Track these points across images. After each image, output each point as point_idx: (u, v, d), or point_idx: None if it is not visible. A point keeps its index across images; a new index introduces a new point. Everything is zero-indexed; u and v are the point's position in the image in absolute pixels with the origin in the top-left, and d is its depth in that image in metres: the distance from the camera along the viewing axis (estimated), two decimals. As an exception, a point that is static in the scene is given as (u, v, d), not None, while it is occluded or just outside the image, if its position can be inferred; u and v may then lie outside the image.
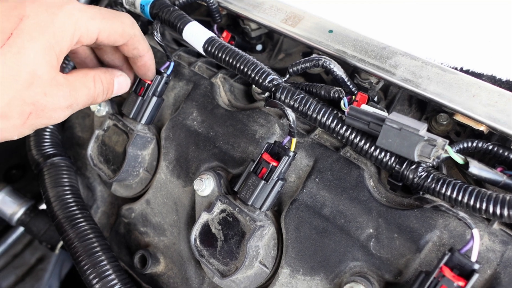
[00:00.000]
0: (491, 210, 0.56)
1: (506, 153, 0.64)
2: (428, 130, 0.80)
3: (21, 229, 1.45)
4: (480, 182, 0.66)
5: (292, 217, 0.68)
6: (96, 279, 0.75)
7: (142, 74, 0.77)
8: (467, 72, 0.73)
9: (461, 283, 0.53)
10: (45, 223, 1.04)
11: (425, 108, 0.83)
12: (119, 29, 0.65)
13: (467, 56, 0.73)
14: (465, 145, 0.66)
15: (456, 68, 0.73)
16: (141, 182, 0.84)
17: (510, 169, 0.65)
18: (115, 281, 0.75)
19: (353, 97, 0.75)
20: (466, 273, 0.54)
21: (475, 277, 0.52)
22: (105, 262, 0.76)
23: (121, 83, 0.73)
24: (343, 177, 0.68)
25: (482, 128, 0.65)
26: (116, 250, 0.88)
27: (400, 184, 0.66)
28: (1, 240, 1.49)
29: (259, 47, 1.00)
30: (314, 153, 0.72)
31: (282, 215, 0.69)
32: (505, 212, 0.55)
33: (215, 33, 0.94)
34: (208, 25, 0.84)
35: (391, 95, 0.86)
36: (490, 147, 0.65)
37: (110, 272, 0.76)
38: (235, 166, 0.76)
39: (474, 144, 0.66)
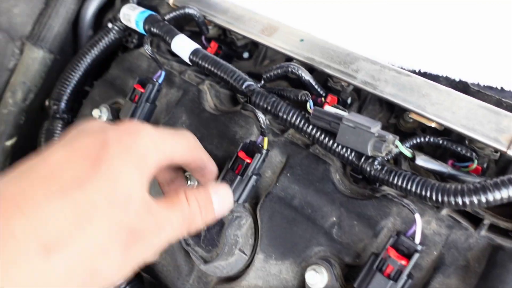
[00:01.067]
0: (434, 197, 0.63)
1: (454, 147, 0.71)
2: (397, 128, 0.87)
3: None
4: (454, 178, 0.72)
5: (266, 208, 0.76)
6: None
7: (206, 180, 0.73)
8: (424, 74, 0.80)
9: (403, 262, 0.60)
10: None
11: (394, 108, 0.90)
12: (187, 147, 0.64)
13: (424, 60, 0.80)
14: (418, 140, 0.73)
15: (414, 71, 0.80)
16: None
17: (460, 162, 0.72)
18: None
19: (323, 99, 0.83)
20: (410, 254, 0.61)
21: (416, 256, 0.60)
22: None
23: (221, 195, 0.63)
24: (311, 171, 0.76)
25: (433, 124, 0.72)
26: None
27: (361, 176, 0.74)
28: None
29: (245, 54, 1.08)
30: (286, 151, 0.80)
31: (258, 207, 0.77)
32: (445, 199, 0.61)
33: (204, 44, 1.03)
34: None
35: (364, 97, 0.93)
36: (440, 142, 0.72)
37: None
38: (218, 164, 0.84)
39: (426, 139, 0.73)
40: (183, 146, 0.63)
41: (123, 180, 0.50)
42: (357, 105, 0.93)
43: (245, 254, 0.77)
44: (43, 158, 0.50)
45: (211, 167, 0.72)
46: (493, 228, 0.65)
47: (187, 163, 0.67)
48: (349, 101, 0.92)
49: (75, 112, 1.10)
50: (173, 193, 0.60)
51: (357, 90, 0.93)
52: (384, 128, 0.85)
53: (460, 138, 0.75)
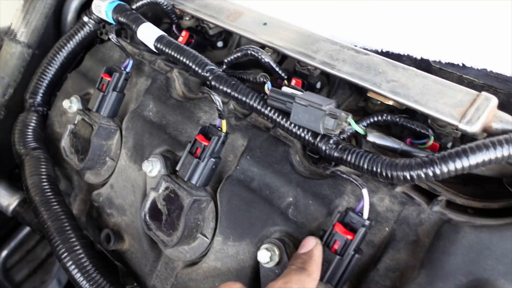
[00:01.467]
0: (384, 173, 0.62)
1: (409, 124, 0.70)
2: (365, 111, 0.87)
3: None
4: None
5: (225, 191, 0.76)
6: (66, 253, 0.85)
7: None
8: (387, 54, 0.79)
9: (349, 237, 0.59)
10: (36, 213, 1.16)
11: (362, 92, 0.89)
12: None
13: (386, 39, 0.79)
14: (376, 118, 0.72)
15: (377, 51, 0.79)
16: (108, 170, 0.94)
17: (418, 139, 0.71)
18: (82, 255, 0.85)
19: (285, 81, 0.83)
20: (357, 229, 0.60)
21: (361, 230, 0.59)
22: (74, 239, 0.86)
23: None
24: (270, 153, 0.76)
25: (391, 102, 0.72)
26: (92, 233, 0.98)
27: (317, 156, 0.73)
28: (13, 236, 1.62)
29: (220, 44, 1.08)
30: (248, 134, 0.79)
31: (218, 190, 0.77)
32: (394, 174, 0.61)
33: (175, 33, 1.04)
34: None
35: (333, 81, 0.92)
36: (397, 119, 0.71)
37: (78, 247, 0.85)
38: (181, 149, 0.84)
39: (383, 118, 0.72)
40: None
41: None
42: (326, 90, 0.93)
43: (207, 238, 0.77)
44: None
45: None
46: (450, 204, 0.64)
47: None
48: (318, 86, 0.91)
49: (51, 105, 1.11)
50: None
51: (326, 75, 0.93)
52: (353, 111, 0.85)
53: (424, 118, 0.74)
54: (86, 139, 0.92)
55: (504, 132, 0.61)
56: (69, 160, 0.94)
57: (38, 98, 1.09)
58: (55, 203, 0.91)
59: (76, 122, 0.94)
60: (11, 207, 1.15)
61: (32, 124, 1.04)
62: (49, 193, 0.92)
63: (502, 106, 0.68)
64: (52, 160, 1.01)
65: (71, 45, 1.10)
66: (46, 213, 0.89)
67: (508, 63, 0.72)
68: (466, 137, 0.76)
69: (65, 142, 0.95)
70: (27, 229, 1.61)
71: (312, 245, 0.59)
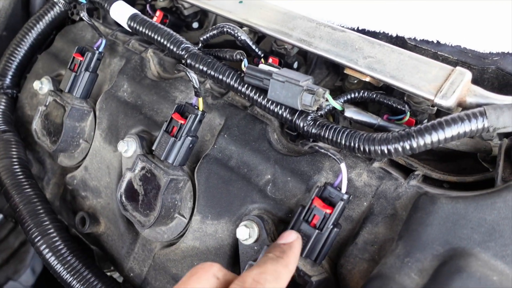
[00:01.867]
0: (361, 147, 0.62)
1: (386, 100, 0.70)
2: (342, 90, 0.87)
3: (1, 216, 1.54)
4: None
5: (203, 170, 0.75)
6: (39, 237, 0.83)
7: None
8: (363, 31, 0.79)
9: (328, 211, 0.59)
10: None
11: (340, 71, 0.89)
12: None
13: (362, 17, 0.79)
14: (353, 95, 0.72)
15: (353, 29, 0.79)
16: (82, 152, 0.92)
17: (395, 115, 0.71)
18: (56, 238, 0.83)
19: (262, 60, 0.82)
20: (336, 203, 0.60)
21: (340, 204, 0.59)
22: (47, 222, 0.84)
23: None
24: (248, 131, 0.75)
25: (367, 79, 0.72)
26: (66, 216, 0.95)
27: (296, 133, 0.73)
28: (-15, 227, 1.57)
29: (195, 24, 1.07)
30: (225, 113, 0.78)
31: (195, 169, 0.76)
32: (372, 148, 0.61)
33: (149, 13, 1.01)
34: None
35: (310, 60, 0.92)
36: (374, 96, 0.72)
37: (52, 230, 0.83)
38: (157, 129, 0.83)
39: (361, 94, 0.72)
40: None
41: None
42: (303, 69, 0.92)
43: (184, 218, 0.76)
44: None
45: None
46: (427, 179, 0.65)
47: None
48: (295, 65, 0.91)
49: (21, 87, 1.07)
50: None
51: (303, 54, 0.93)
52: (330, 91, 0.85)
53: (400, 95, 0.75)
54: (58, 121, 0.90)
55: (478, 105, 0.62)
56: (41, 142, 0.92)
57: (7, 81, 1.05)
58: (27, 187, 0.88)
59: (47, 103, 0.92)
60: (-19, 194, 1.12)
61: (1, 107, 1.01)
62: (21, 176, 0.90)
63: (475, 82, 0.69)
64: (23, 143, 0.98)
65: (40, 25, 1.07)
66: (17, 197, 0.86)
67: (481, 40, 0.73)
68: (441, 114, 0.77)
69: (36, 124, 0.92)
70: (-1, 219, 1.57)
71: (293, 238, 0.58)
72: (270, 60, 0.83)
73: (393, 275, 0.54)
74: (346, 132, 0.64)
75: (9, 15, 1.15)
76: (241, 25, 0.82)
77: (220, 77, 0.76)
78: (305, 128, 0.69)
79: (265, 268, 0.52)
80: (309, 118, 0.69)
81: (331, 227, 0.59)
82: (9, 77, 1.05)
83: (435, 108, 0.74)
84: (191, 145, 0.75)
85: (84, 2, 0.92)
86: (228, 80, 0.75)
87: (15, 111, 1.05)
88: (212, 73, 0.77)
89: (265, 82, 0.70)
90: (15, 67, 1.06)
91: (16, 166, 0.91)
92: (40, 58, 1.06)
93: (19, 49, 1.06)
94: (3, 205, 1.14)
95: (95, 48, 0.90)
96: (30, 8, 1.21)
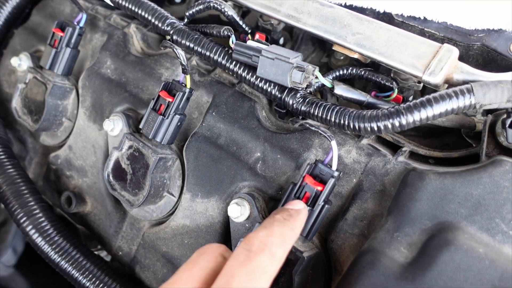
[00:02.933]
0: (351, 125, 0.63)
1: (374, 77, 0.71)
2: (328, 67, 0.87)
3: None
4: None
5: (192, 148, 0.75)
6: (24, 218, 0.81)
7: None
8: (351, 7, 0.79)
9: (319, 188, 0.60)
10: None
11: (326, 47, 0.89)
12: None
13: (350, -8, 0.79)
14: (341, 72, 0.72)
15: (341, 4, 0.79)
16: (65, 131, 0.90)
17: (382, 92, 0.72)
18: (42, 219, 0.82)
19: (249, 36, 0.81)
20: (326, 180, 0.61)
21: (331, 181, 0.60)
22: (32, 203, 0.83)
23: None
24: (236, 109, 0.75)
25: (356, 56, 0.72)
26: (50, 196, 0.94)
27: (284, 111, 0.73)
28: (-38, 207, 1.54)
29: (177, -2, 1.04)
30: (212, 90, 0.78)
31: (184, 147, 0.76)
32: (361, 125, 0.62)
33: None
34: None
35: (296, 36, 0.91)
36: (362, 72, 0.72)
37: (38, 211, 0.82)
38: (143, 107, 0.82)
39: (349, 71, 0.72)
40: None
41: None
42: (289, 45, 0.92)
43: (174, 196, 0.76)
44: None
45: None
46: (413, 155, 0.66)
47: None
48: (281, 41, 0.90)
49: (-2, 64, 1.04)
50: None
51: (289, 30, 0.92)
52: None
53: (387, 72, 0.75)
54: (39, 99, 0.87)
55: (465, 82, 0.63)
56: (22, 121, 0.89)
57: (-18, 57, 1.01)
58: (9, 167, 0.86)
59: (27, 81, 0.89)
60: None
61: (-22, 85, 0.97)
62: (3, 156, 0.87)
63: (461, 58, 0.70)
64: (3, 122, 0.95)
65: (15, -2, 1.02)
66: (0, 177, 0.85)
67: (467, 16, 0.74)
68: (427, 90, 0.78)
69: (16, 103, 0.90)
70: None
71: (300, 206, 0.58)
72: (257, 36, 0.82)
73: (383, 249, 0.55)
74: (336, 110, 0.65)
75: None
76: (227, 0, 0.81)
77: (208, 53, 0.75)
78: (294, 105, 0.69)
79: (272, 230, 0.52)
80: (298, 95, 0.69)
81: (322, 203, 0.60)
82: (-16, 53, 1.01)
83: (421, 85, 0.75)
84: (179, 123, 0.74)
85: (63, -25, 0.88)
86: (215, 57, 0.74)
87: (-8, 88, 1.02)
88: (199, 49, 0.76)
89: (254, 59, 0.69)
90: (-11, 42, 1.02)
91: (-3, 146, 0.88)
92: (17, 33, 1.02)
93: (-8, 23, 1.02)
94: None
95: (75, 23, 0.87)
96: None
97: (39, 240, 0.81)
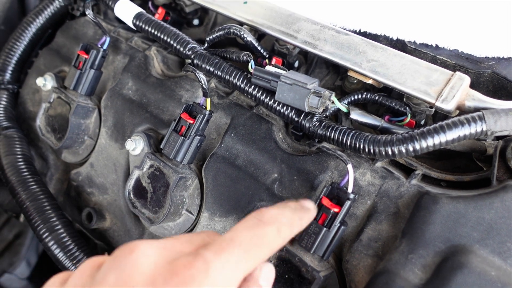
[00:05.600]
0: (366, 148, 0.65)
1: (388, 102, 0.74)
2: (342, 90, 0.90)
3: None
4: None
5: (211, 168, 0.78)
6: (47, 233, 0.84)
7: None
8: (365, 34, 0.82)
9: (336, 210, 0.62)
10: (9, 194, 1.13)
11: (339, 71, 0.92)
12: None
13: (364, 20, 0.82)
14: (356, 97, 0.75)
15: (355, 31, 0.82)
16: (87, 148, 0.93)
17: (395, 116, 0.75)
18: (64, 234, 0.85)
19: (266, 60, 0.84)
20: (343, 202, 0.63)
21: (347, 203, 0.62)
22: (54, 219, 0.86)
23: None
24: (254, 131, 0.77)
25: (370, 81, 0.74)
26: (70, 212, 0.97)
27: (301, 133, 0.76)
28: (-22, 220, 1.57)
29: (196, 21, 1.08)
30: (231, 112, 0.81)
31: (203, 167, 0.78)
32: (376, 149, 0.64)
33: (151, 10, 1.02)
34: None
35: (310, 60, 0.94)
36: (376, 98, 0.75)
37: (59, 227, 0.85)
38: (164, 127, 0.85)
39: (364, 96, 0.75)
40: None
41: None
42: (304, 68, 0.95)
43: (192, 214, 0.79)
44: None
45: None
46: (426, 178, 0.68)
47: None
48: (296, 64, 0.93)
49: (22, 82, 1.07)
50: None
51: (304, 54, 0.95)
52: (330, 90, 0.87)
53: (399, 96, 0.78)
54: (63, 118, 0.91)
55: (476, 109, 0.66)
56: (45, 139, 0.93)
57: (7, 76, 1.05)
58: (32, 183, 0.89)
59: (51, 100, 0.93)
60: (-19, 188, 1.13)
61: (3, 103, 1.01)
62: (26, 173, 0.91)
63: (472, 85, 0.73)
64: (27, 139, 0.98)
65: (40, 20, 1.07)
66: (24, 194, 0.88)
67: (478, 44, 0.77)
68: (438, 115, 0.80)
69: (40, 121, 0.93)
70: (-8, 212, 1.57)
71: (311, 206, 0.60)
72: (273, 61, 0.85)
73: (398, 270, 0.57)
74: (352, 133, 0.67)
75: (7, 8, 1.14)
76: (247, 25, 0.84)
77: (227, 77, 0.78)
78: (311, 128, 0.72)
79: (284, 211, 0.54)
80: (314, 119, 0.72)
81: (338, 225, 0.62)
82: (9, 72, 1.05)
83: (433, 109, 0.78)
84: (199, 144, 0.77)
85: (89, 0, 0.92)
86: (235, 81, 0.77)
87: (16, 106, 1.05)
88: (219, 73, 0.79)
89: (273, 83, 0.72)
90: (14, 62, 1.06)
91: (21, 163, 0.92)
92: (41, 54, 1.06)
93: (18, 44, 1.06)
94: (3, 199, 1.15)
95: (99, 46, 0.91)
96: (25, 1, 1.21)
97: (60, 256, 0.83)
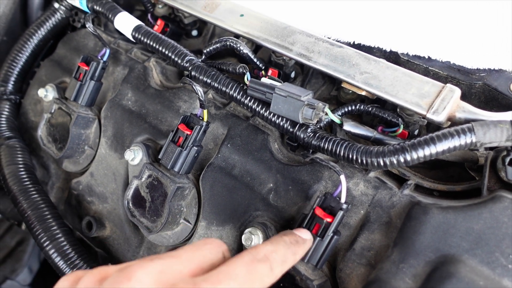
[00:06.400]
0: (359, 159, 0.66)
1: (381, 113, 0.75)
2: (338, 100, 0.91)
3: (-1, 215, 1.56)
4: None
5: (207, 178, 0.79)
6: (48, 242, 0.86)
7: None
8: (359, 46, 0.83)
9: (329, 219, 0.64)
10: (11, 202, 1.15)
11: (335, 81, 0.94)
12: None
13: (358, 32, 0.83)
14: (349, 108, 0.77)
15: (349, 43, 0.83)
16: (87, 158, 0.95)
17: (389, 127, 0.76)
18: (65, 243, 0.86)
19: (262, 72, 0.86)
20: (336, 212, 0.65)
21: (340, 213, 0.63)
22: (55, 227, 0.87)
23: None
24: (250, 141, 0.79)
25: (363, 93, 0.76)
26: (71, 220, 0.98)
27: (296, 144, 0.77)
28: (-18, 227, 1.59)
29: (194, 32, 1.10)
30: (228, 123, 0.82)
31: (200, 177, 0.80)
32: (369, 160, 0.65)
33: (150, 22, 1.04)
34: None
35: (306, 71, 0.96)
36: (370, 109, 0.76)
37: (60, 235, 0.87)
38: (162, 138, 0.86)
39: (357, 107, 0.77)
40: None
41: None
42: (300, 79, 0.96)
43: (190, 223, 0.80)
44: None
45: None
46: (418, 188, 0.69)
47: None
48: (292, 75, 0.95)
49: (24, 93, 1.09)
50: None
51: (300, 65, 0.97)
52: (326, 100, 0.89)
53: (393, 107, 0.79)
54: (64, 128, 0.93)
55: (467, 121, 0.67)
56: (47, 149, 0.95)
57: (10, 86, 1.07)
58: (34, 192, 0.91)
59: (53, 111, 0.94)
60: (-17, 196, 1.14)
61: (5, 113, 1.03)
62: (27, 183, 0.92)
63: (464, 96, 0.75)
64: (28, 149, 1.00)
65: (42, 32, 1.09)
66: (25, 203, 0.89)
67: (469, 56, 0.78)
68: (431, 125, 0.82)
69: (42, 131, 0.95)
70: (-6, 219, 1.59)
71: (307, 237, 0.63)
72: (269, 72, 0.87)
73: (389, 279, 0.59)
74: (345, 145, 0.69)
75: (10, 19, 1.16)
76: (239, 36, 0.86)
77: (224, 89, 0.80)
78: (305, 139, 0.73)
79: (277, 248, 0.57)
80: (309, 130, 0.73)
81: (331, 234, 0.63)
82: (12, 83, 1.07)
83: (426, 120, 0.79)
84: (196, 155, 0.78)
85: (89, 12, 0.94)
86: (231, 92, 0.79)
87: (18, 117, 1.07)
88: (216, 85, 0.80)
89: (268, 95, 0.74)
90: (17, 73, 1.08)
91: (23, 172, 0.93)
92: (43, 65, 1.08)
93: (20, 55, 1.08)
94: (5, 207, 1.16)
95: (99, 57, 0.93)
96: (28, 11, 1.23)
97: (61, 264, 0.85)
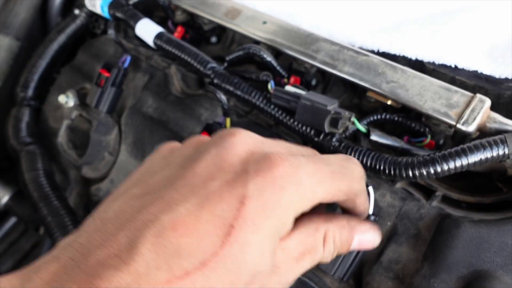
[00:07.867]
0: (387, 170, 0.65)
1: (408, 123, 0.74)
2: (360, 108, 0.90)
3: (15, 218, 1.56)
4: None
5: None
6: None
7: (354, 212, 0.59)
8: (383, 54, 0.82)
9: (356, 232, 0.62)
10: (29, 207, 1.15)
11: (357, 89, 0.92)
12: (346, 188, 0.52)
13: (383, 40, 0.82)
14: (375, 117, 0.76)
15: (373, 51, 0.82)
16: (107, 164, 0.95)
17: (415, 137, 0.75)
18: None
19: (285, 80, 0.85)
20: (363, 224, 0.63)
21: (368, 226, 0.62)
22: (75, 234, 0.87)
23: (363, 240, 0.56)
24: (273, 150, 0.78)
25: (389, 102, 0.75)
26: (89, 226, 0.98)
27: (320, 154, 0.76)
28: (-2, 230, 1.59)
29: (213, 39, 1.09)
30: (250, 131, 0.81)
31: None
32: (397, 172, 0.64)
33: (171, 29, 1.04)
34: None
35: (328, 78, 0.95)
36: (396, 118, 0.75)
37: (79, 242, 0.86)
38: (183, 145, 0.86)
39: (383, 116, 0.75)
40: (340, 186, 0.51)
41: (250, 255, 0.42)
42: (321, 86, 0.95)
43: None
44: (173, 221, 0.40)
45: (364, 204, 0.59)
46: (446, 199, 0.68)
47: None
48: (313, 82, 0.94)
49: (43, 99, 1.10)
50: (312, 228, 0.49)
51: (321, 72, 0.96)
52: (347, 108, 0.88)
53: (417, 116, 0.78)
54: (84, 135, 0.93)
55: (498, 132, 0.65)
56: (67, 155, 0.94)
57: (30, 92, 1.07)
58: (54, 198, 0.91)
59: (73, 117, 0.94)
60: (3, 201, 1.15)
61: (26, 119, 1.03)
62: (48, 189, 0.92)
63: (492, 106, 0.73)
64: (48, 155, 1.00)
65: (62, 38, 1.09)
66: (45, 209, 0.89)
67: (498, 65, 0.77)
68: (457, 135, 0.80)
69: (62, 137, 0.95)
70: (10, 222, 1.59)
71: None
72: (292, 80, 0.86)
73: (420, 294, 0.57)
74: (371, 155, 0.67)
75: (29, 26, 1.17)
76: (263, 45, 0.85)
77: (247, 97, 0.79)
78: (330, 149, 0.72)
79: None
80: (334, 139, 0.72)
81: (359, 247, 0.62)
82: (32, 88, 1.07)
83: (452, 130, 0.78)
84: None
85: (111, 19, 0.94)
86: (254, 101, 0.78)
87: (38, 123, 1.07)
88: (239, 93, 0.80)
89: (292, 104, 0.73)
90: (37, 79, 1.08)
91: (43, 179, 0.93)
92: (63, 71, 1.08)
93: (41, 61, 1.08)
94: (24, 212, 1.16)
95: (120, 64, 0.93)
96: (47, 18, 1.24)
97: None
